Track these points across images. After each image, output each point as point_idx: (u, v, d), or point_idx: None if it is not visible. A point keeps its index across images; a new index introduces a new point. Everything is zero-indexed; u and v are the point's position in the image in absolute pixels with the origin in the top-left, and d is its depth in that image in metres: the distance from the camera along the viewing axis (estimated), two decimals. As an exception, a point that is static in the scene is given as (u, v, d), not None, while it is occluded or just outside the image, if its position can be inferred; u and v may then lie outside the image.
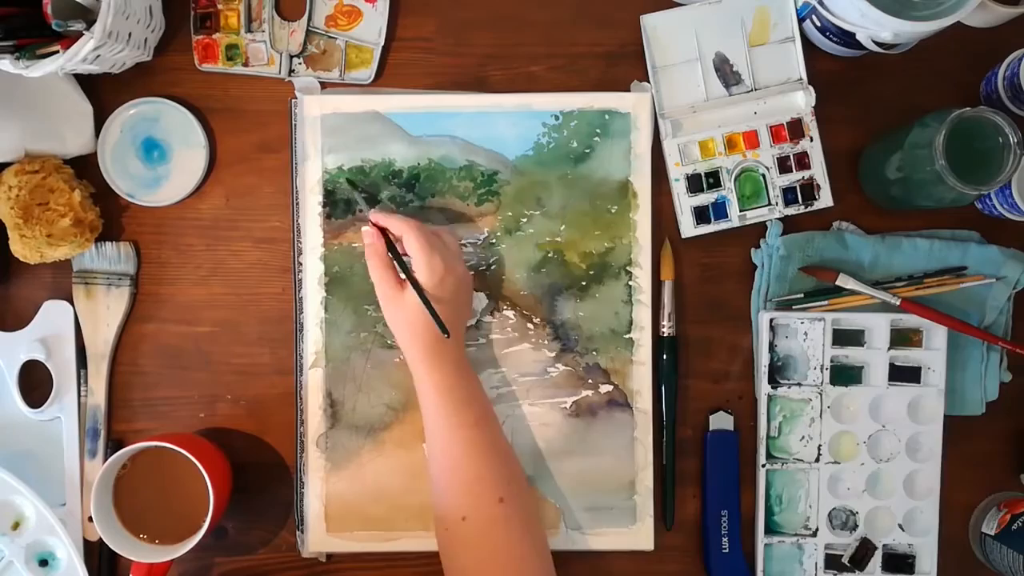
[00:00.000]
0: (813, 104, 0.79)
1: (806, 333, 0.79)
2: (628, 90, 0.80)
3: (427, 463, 0.73)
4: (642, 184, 0.79)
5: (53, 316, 0.79)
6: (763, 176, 0.80)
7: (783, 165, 0.80)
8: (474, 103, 0.79)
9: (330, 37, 0.80)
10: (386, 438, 0.79)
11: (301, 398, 0.79)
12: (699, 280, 0.81)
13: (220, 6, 0.80)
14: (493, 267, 0.80)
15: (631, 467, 0.79)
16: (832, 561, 0.80)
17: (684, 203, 0.80)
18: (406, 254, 0.72)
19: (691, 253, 0.81)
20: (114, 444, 0.80)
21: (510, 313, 0.80)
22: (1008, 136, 0.70)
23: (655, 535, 0.79)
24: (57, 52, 0.69)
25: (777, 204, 0.80)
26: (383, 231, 0.73)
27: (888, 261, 0.80)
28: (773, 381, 0.79)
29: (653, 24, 0.79)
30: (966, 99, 0.81)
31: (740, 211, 0.80)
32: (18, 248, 0.77)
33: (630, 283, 0.79)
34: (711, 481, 0.80)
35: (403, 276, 0.71)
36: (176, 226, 0.81)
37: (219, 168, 0.81)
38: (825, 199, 0.80)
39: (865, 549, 0.79)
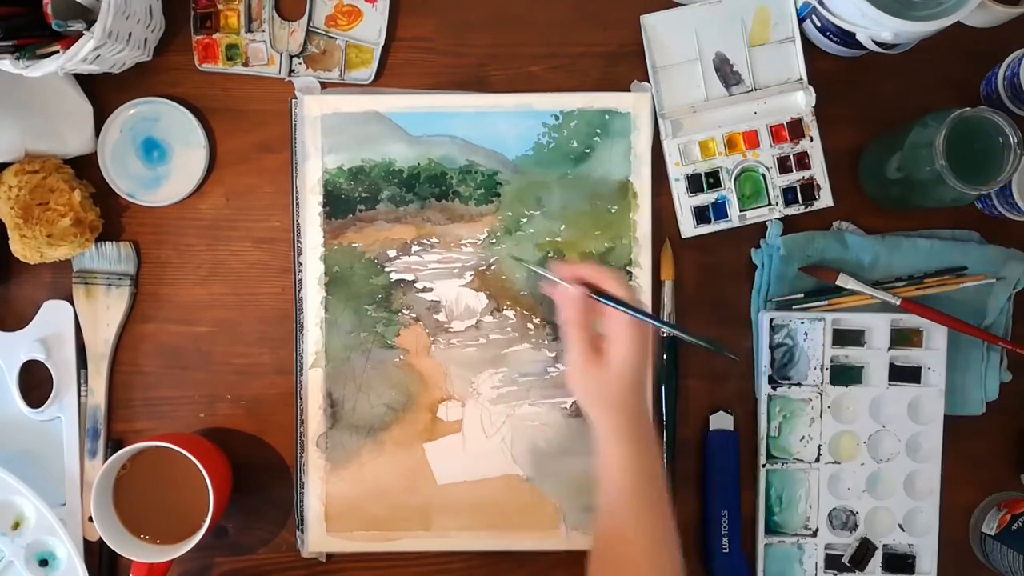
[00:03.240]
0: (813, 104, 0.79)
1: (806, 333, 0.79)
2: (628, 90, 0.80)
3: (604, 527, 0.67)
4: (642, 184, 0.79)
5: (53, 316, 0.79)
6: (763, 176, 0.80)
7: (783, 165, 0.80)
8: (474, 103, 0.79)
9: (330, 37, 0.80)
10: (386, 438, 0.79)
11: (301, 398, 0.79)
12: (699, 280, 0.81)
13: (220, 6, 0.80)
14: (493, 267, 0.80)
15: (631, 467, 0.79)
16: (832, 561, 0.80)
17: (684, 203, 0.80)
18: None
19: (691, 253, 0.81)
20: (114, 444, 0.80)
21: (510, 313, 0.80)
22: (1008, 136, 0.70)
23: (655, 535, 0.79)
24: (57, 52, 0.69)
25: (777, 204, 0.80)
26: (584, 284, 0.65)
27: (888, 261, 0.80)
28: (773, 381, 0.79)
29: (653, 24, 0.79)
30: (966, 99, 0.81)
31: (740, 211, 0.80)
32: (18, 248, 0.77)
33: (630, 283, 0.79)
34: (711, 481, 0.80)
35: (619, 307, 0.64)
36: (176, 226, 0.81)
37: (219, 168, 0.81)
38: (825, 199, 0.80)
39: (865, 549, 0.79)
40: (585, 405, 0.67)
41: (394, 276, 0.80)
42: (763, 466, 0.79)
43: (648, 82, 0.80)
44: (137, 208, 0.81)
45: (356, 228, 0.79)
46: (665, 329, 0.64)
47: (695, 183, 0.80)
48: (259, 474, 0.81)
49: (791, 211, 0.80)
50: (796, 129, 0.80)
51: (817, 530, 0.79)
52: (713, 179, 0.80)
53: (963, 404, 0.81)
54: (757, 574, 0.79)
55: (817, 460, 0.79)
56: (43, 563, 0.76)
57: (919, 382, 0.80)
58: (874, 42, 0.74)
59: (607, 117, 0.79)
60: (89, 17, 0.69)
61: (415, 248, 0.80)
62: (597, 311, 0.65)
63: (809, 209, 0.80)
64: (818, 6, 0.75)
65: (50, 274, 0.81)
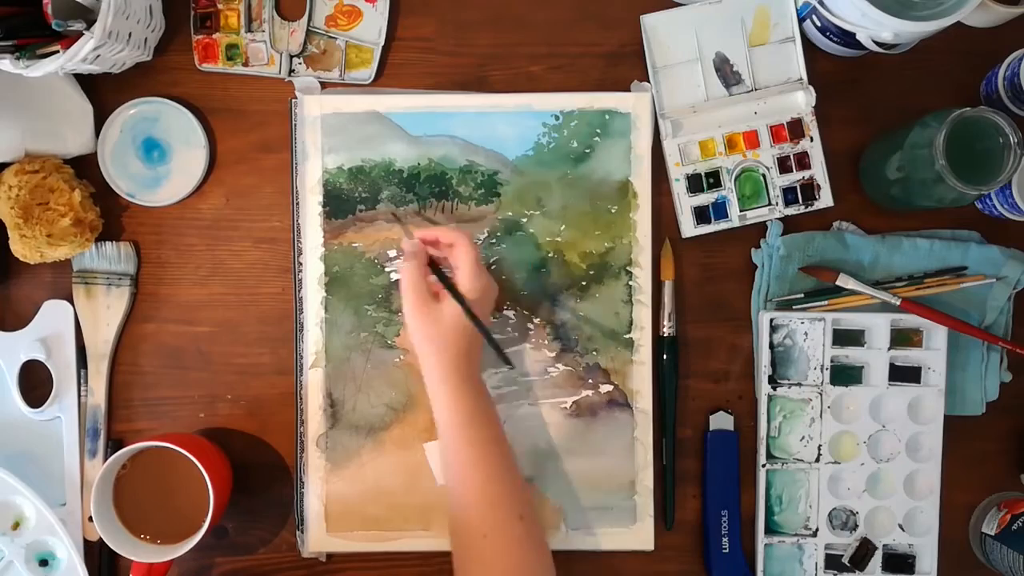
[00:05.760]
0: (813, 104, 0.79)
1: (806, 333, 0.79)
2: (628, 90, 0.80)
3: (447, 481, 0.71)
4: (642, 184, 0.79)
5: (53, 316, 0.79)
6: (763, 176, 0.80)
7: (783, 165, 0.80)
8: (474, 103, 0.79)
9: (330, 37, 0.80)
10: (386, 438, 0.79)
11: (301, 398, 0.79)
12: (699, 280, 0.81)
13: (220, 6, 0.80)
14: (493, 267, 0.80)
15: (631, 467, 0.79)
16: (832, 561, 0.80)
17: (684, 203, 0.80)
18: (448, 267, 0.71)
19: (691, 253, 0.81)
20: (114, 444, 0.80)
21: (510, 313, 0.80)
22: (1008, 136, 0.70)
23: (655, 535, 0.79)
24: (57, 52, 0.69)
25: (777, 204, 0.80)
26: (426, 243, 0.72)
27: (888, 261, 0.80)
28: (773, 381, 0.79)
29: (653, 24, 0.79)
30: (966, 99, 0.81)
31: (740, 211, 0.80)
32: (18, 248, 0.77)
33: (630, 283, 0.80)
34: (711, 481, 0.80)
35: (446, 289, 0.70)
36: (176, 226, 0.81)
37: (219, 168, 0.81)
38: (825, 199, 0.80)
39: (865, 549, 0.79)
40: (418, 343, 0.71)
41: (394, 276, 0.80)
42: (763, 466, 0.79)
43: (648, 82, 0.80)
44: (137, 208, 0.81)
45: (356, 228, 0.79)
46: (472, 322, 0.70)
47: (695, 183, 0.80)
48: (259, 474, 0.81)
49: (791, 211, 0.80)
50: (796, 129, 0.80)
51: (817, 530, 0.80)
52: (713, 179, 0.80)
53: (963, 404, 0.81)
54: (757, 574, 0.79)
55: (817, 460, 0.79)
56: (43, 563, 0.76)
57: (919, 382, 0.80)
58: (874, 42, 0.74)
59: (607, 117, 0.79)
60: (89, 17, 0.69)
61: (415, 248, 0.80)
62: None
63: (809, 209, 0.80)
64: (818, 6, 0.75)
65: (50, 274, 0.81)
